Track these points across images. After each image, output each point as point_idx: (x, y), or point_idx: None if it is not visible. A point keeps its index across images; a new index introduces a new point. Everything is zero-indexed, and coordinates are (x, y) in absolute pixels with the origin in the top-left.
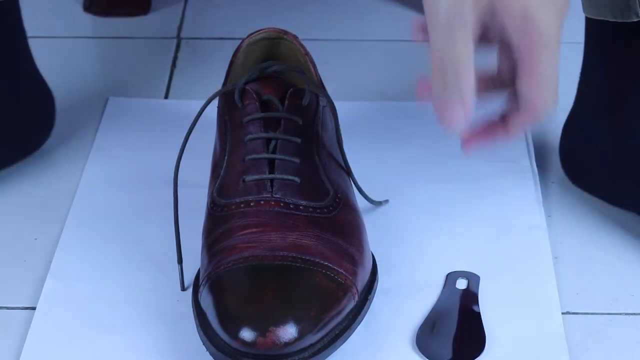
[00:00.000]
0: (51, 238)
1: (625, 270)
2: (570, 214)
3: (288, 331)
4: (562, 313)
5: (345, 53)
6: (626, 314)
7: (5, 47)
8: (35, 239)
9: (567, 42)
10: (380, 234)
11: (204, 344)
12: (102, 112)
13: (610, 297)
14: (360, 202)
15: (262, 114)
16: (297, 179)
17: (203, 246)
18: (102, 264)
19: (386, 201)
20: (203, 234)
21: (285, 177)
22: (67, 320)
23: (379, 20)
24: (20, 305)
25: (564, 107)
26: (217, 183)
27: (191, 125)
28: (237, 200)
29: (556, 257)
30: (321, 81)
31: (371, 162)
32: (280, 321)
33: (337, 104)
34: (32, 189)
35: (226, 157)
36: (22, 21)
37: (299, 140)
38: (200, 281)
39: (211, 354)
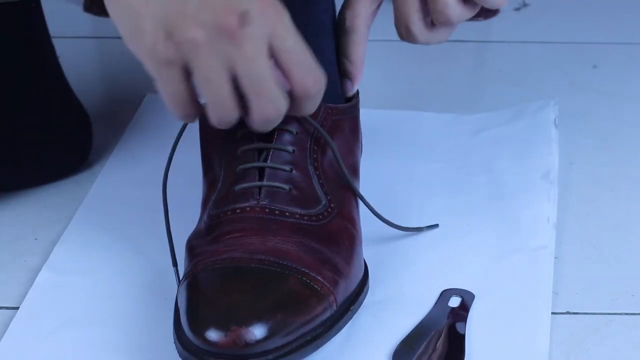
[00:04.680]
0: (51, 238)
1: (625, 270)
2: (570, 214)
3: (251, 332)
4: (562, 313)
5: None
6: (626, 314)
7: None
8: (35, 239)
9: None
10: (383, 246)
11: (174, 342)
12: (137, 109)
13: (610, 297)
14: (367, 211)
15: None
16: (285, 187)
17: (187, 249)
18: (100, 260)
19: (425, 227)
20: (192, 238)
21: (273, 184)
22: (52, 310)
23: (380, 20)
24: (20, 306)
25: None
26: (214, 196)
27: (179, 133)
28: (226, 208)
29: (556, 257)
30: None
31: (389, 173)
32: (244, 321)
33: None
34: (32, 189)
35: (222, 172)
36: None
37: (291, 149)
38: (181, 281)
39: (179, 353)
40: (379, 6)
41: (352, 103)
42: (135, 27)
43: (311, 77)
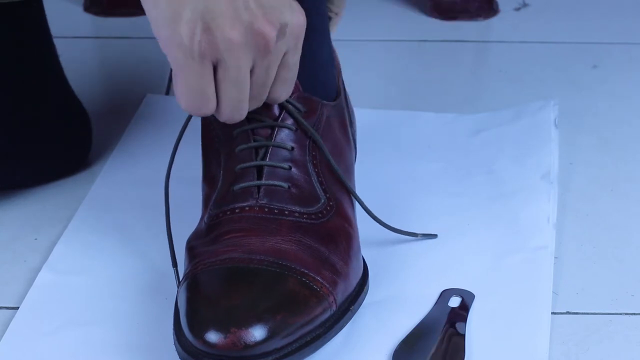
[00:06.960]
0: (51, 238)
1: (625, 270)
2: (570, 214)
3: (250, 333)
4: (562, 313)
5: (345, 53)
6: (626, 314)
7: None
8: (35, 239)
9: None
10: (383, 246)
11: (174, 343)
12: (137, 109)
13: (610, 297)
14: (363, 213)
15: (251, 125)
16: (284, 185)
17: (187, 249)
18: (100, 260)
19: (420, 234)
20: (192, 238)
21: (272, 183)
22: (52, 310)
23: (380, 20)
24: (20, 306)
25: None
26: (214, 196)
27: (180, 132)
28: (225, 208)
29: (556, 257)
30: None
31: (389, 173)
32: (243, 323)
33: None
34: (32, 189)
35: (221, 172)
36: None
37: (290, 146)
38: (180, 282)
39: (179, 354)
40: None
41: (338, 100)
42: (173, 14)
43: (287, 92)
